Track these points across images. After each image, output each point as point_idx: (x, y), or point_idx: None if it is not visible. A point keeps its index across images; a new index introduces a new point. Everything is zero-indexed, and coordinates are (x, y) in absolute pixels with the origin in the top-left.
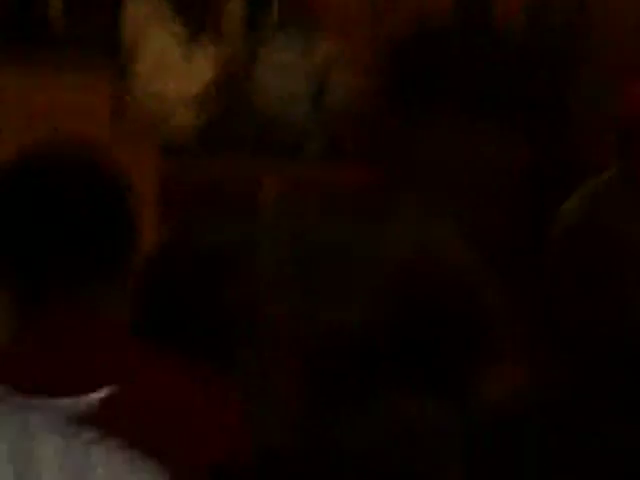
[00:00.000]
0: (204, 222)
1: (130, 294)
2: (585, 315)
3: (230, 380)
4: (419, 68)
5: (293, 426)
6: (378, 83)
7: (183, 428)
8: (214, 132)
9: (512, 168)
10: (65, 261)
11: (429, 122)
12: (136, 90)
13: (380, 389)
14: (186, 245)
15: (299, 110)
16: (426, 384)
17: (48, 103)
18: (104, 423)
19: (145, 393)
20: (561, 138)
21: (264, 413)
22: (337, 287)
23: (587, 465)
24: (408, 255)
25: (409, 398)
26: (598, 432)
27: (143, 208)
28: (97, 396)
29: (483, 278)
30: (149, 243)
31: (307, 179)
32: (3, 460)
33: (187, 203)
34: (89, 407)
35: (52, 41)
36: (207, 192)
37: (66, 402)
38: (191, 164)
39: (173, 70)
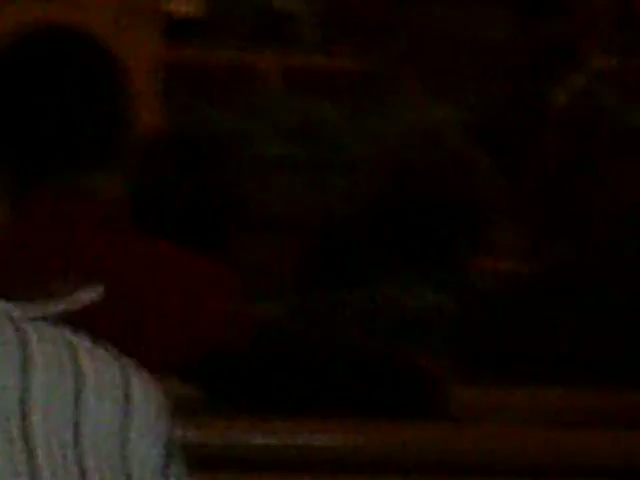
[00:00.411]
0: (204, 110)
1: (129, 178)
2: (581, 197)
3: (226, 263)
4: None
5: (288, 305)
6: None
7: (183, 309)
8: (212, 22)
9: (509, 47)
10: (61, 140)
11: (423, 3)
12: None
13: (373, 271)
14: (185, 132)
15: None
16: (421, 268)
17: None
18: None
19: (145, 276)
20: (561, 13)
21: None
22: (337, 168)
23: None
24: (406, 138)
25: (401, 283)
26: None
27: (145, 94)
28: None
29: (479, 162)
30: (149, 129)
31: (307, 67)
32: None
33: (189, 91)
34: (95, 296)
35: None
36: (208, 81)
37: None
38: (192, 53)
39: None
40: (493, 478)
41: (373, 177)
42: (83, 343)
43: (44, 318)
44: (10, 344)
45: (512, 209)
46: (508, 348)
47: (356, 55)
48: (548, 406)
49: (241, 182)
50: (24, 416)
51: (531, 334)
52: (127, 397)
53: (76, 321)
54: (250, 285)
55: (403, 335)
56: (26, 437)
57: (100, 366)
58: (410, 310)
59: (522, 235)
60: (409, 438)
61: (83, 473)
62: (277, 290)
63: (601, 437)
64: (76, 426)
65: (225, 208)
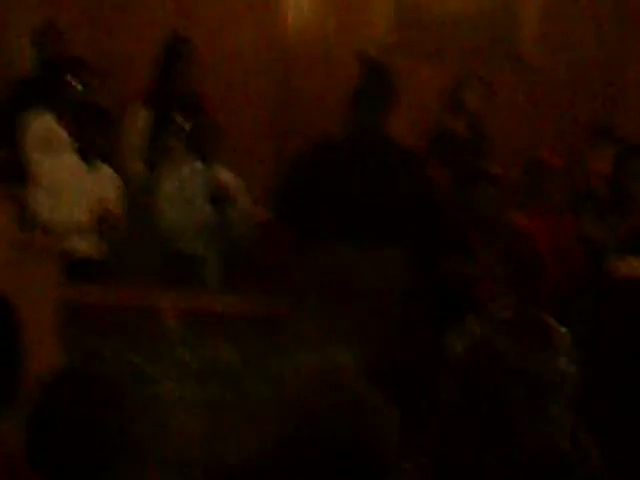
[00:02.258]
0: (103, 350)
1: (24, 420)
2: (476, 442)
3: None
4: (312, 192)
5: None
6: (274, 208)
7: None
8: (116, 260)
9: (407, 291)
10: None
11: (324, 250)
12: (38, 216)
13: None
14: (82, 373)
15: (201, 241)
16: None
17: None
18: None
19: None
20: (458, 264)
21: None
22: (238, 415)
23: None
24: (307, 384)
25: None
26: None
27: (41, 332)
28: None
29: (381, 404)
30: (45, 368)
31: (208, 309)
32: None
33: (87, 329)
34: None
35: None
36: (108, 320)
37: None
38: (92, 290)
39: (71, 195)
40: None
41: (274, 421)
42: None
43: None
44: None
45: (411, 453)
46: None
47: (256, 298)
48: None
49: (138, 422)
50: None
51: None
52: None
53: None
54: None
55: None
56: None
57: None
58: None
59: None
60: None
61: None
62: None
63: None
64: None
65: (119, 448)
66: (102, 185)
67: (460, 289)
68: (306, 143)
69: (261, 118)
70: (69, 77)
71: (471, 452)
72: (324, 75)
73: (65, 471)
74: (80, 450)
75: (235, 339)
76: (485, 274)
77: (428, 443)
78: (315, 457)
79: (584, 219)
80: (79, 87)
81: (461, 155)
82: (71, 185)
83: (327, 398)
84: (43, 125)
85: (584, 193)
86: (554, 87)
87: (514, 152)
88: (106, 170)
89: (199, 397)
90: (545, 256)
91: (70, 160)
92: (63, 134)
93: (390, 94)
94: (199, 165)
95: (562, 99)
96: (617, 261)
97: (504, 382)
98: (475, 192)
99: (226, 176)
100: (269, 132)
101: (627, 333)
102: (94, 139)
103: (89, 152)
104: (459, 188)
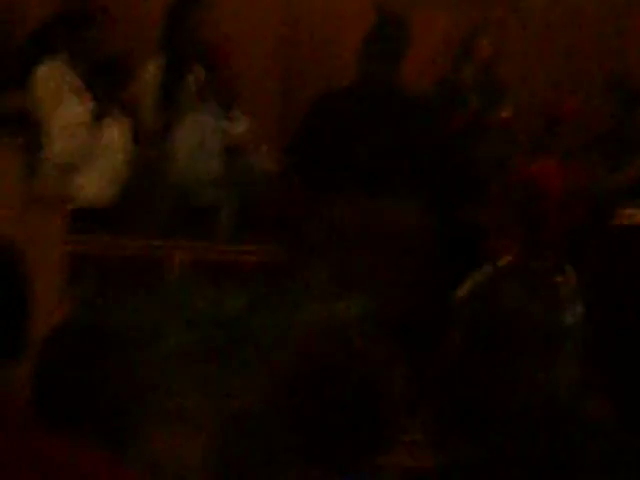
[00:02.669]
0: (110, 300)
1: (31, 371)
2: (483, 390)
3: (129, 459)
4: (324, 143)
5: None
6: (287, 161)
7: None
8: (127, 208)
9: (418, 241)
10: None
11: (335, 198)
12: (46, 163)
13: (282, 467)
14: (89, 323)
15: (213, 189)
16: (327, 464)
17: None
18: None
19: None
20: (468, 211)
21: None
22: (244, 366)
23: None
24: (313, 335)
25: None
26: None
27: (49, 283)
28: None
29: (387, 359)
30: (53, 318)
31: (220, 259)
32: None
33: (95, 278)
34: None
35: None
36: (117, 268)
37: None
38: (100, 240)
39: (83, 144)
40: None
41: (281, 370)
42: None
43: None
44: None
45: (416, 403)
46: None
47: (266, 248)
48: None
49: (148, 373)
50: None
51: None
52: None
53: None
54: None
55: None
56: None
57: None
58: None
59: (427, 430)
60: None
61: None
62: None
63: None
64: None
65: (131, 401)
66: (114, 134)
67: (475, 239)
68: (315, 87)
69: (268, 58)
70: (87, 27)
71: (474, 402)
72: (335, 18)
73: (72, 419)
74: (85, 399)
75: (243, 288)
76: (500, 224)
77: (432, 395)
78: (318, 409)
79: (594, 165)
80: (96, 37)
81: (470, 102)
82: (82, 134)
83: (332, 350)
84: (56, 73)
85: (595, 139)
86: (562, 34)
87: (530, 97)
88: (120, 119)
89: (205, 346)
90: (555, 202)
91: (82, 108)
92: (78, 82)
93: (403, 44)
94: (216, 116)
95: (572, 46)
96: (624, 207)
97: (506, 327)
98: (485, 138)
99: (242, 127)
100: (276, 72)
101: (631, 281)
102: (110, 89)
103: (104, 102)
104: (470, 135)
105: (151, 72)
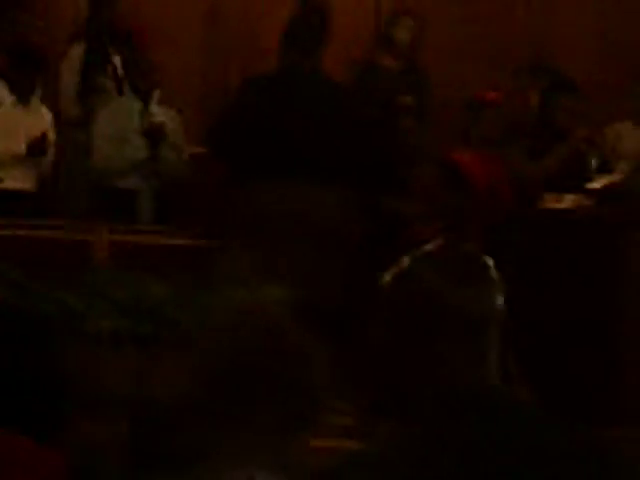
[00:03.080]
0: (32, 285)
1: None
2: (409, 375)
3: (56, 443)
4: (246, 129)
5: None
6: (209, 148)
7: None
8: (49, 195)
9: (341, 228)
10: None
11: (257, 184)
12: None
13: (200, 453)
14: (11, 307)
15: (133, 176)
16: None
17: None
18: None
19: None
20: (393, 199)
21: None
22: (168, 351)
23: None
24: (235, 320)
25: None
26: None
27: None
28: None
29: (309, 343)
30: None
31: (140, 243)
32: None
33: (17, 263)
34: None
35: None
36: (39, 252)
37: None
38: (23, 224)
39: (3, 132)
40: None
41: (203, 355)
42: None
43: None
44: None
45: (341, 387)
46: None
47: (187, 233)
48: None
49: (70, 359)
50: None
51: None
52: None
53: None
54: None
55: None
56: None
57: None
58: None
59: (351, 413)
60: None
61: None
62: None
63: None
64: None
65: (54, 386)
66: (35, 121)
67: (397, 229)
68: (238, 75)
69: (191, 50)
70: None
71: (402, 389)
72: (257, 5)
73: None
74: (6, 386)
75: (165, 274)
76: (423, 213)
77: (362, 381)
78: (241, 393)
79: (515, 154)
80: (15, 25)
81: (390, 90)
82: (4, 121)
83: (254, 335)
84: None
85: (516, 128)
86: (488, 22)
87: (452, 87)
88: (40, 107)
89: (130, 333)
90: (479, 191)
91: (4, 93)
92: None
93: (323, 31)
94: (134, 102)
95: (496, 35)
96: (545, 195)
97: (429, 314)
98: (401, 125)
99: (160, 112)
100: (199, 65)
101: (551, 266)
102: (29, 77)
103: (23, 90)
104: (385, 122)
105: (72, 59)
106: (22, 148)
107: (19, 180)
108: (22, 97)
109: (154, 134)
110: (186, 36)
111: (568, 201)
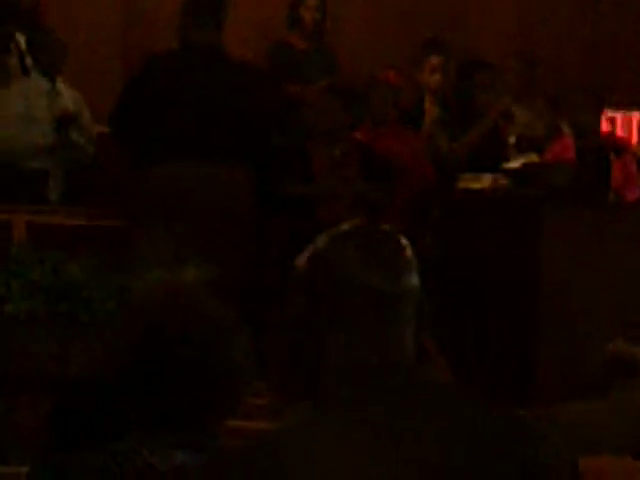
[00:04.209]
0: None
1: None
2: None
3: None
4: (147, 110)
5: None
6: (111, 129)
7: None
8: None
9: (246, 209)
10: None
11: (161, 165)
12: None
13: (122, 431)
14: None
15: (42, 158)
16: (170, 429)
17: None
18: None
19: None
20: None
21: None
22: (88, 331)
23: None
24: (156, 300)
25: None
26: None
27: None
28: None
29: (227, 323)
30: None
31: (51, 224)
32: None
33: None
34: None
35: None
36: None
37: None
38: None
39: None
40: None
41: (122, 335)
42: None
43: None
44: None
45: (264, 369)
46: None
47: (99, 214)
48: None
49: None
50: None
51: None
52: None
53: None
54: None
55: None
56: None
57: None
58: (157, 471)
59: (265, 393)
60: None
61: None
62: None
63: None
64: None
65: None
66: None
67: (304, 210)
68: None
69: (108, 36)
70: None
71: (317, 369)
72: None
73: None
74: None
75: (80, 255)
76: (331, 194)
77: (277, 361)
78: (162, 372)
79: (433, 134)
80: None
81: (300, 69)
82: None
83: (174, 314)
84: None
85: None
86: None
87: (360, 66)
88: None
89: (46, 311)
90: (396, 171)
91: None
92: None
93: (220, 8)
94: (42, 82)
95: (404, 16)
96: (462, 175)
97: (342, 293)
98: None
99: (68, 94)
100: (116, 51)
101: (469, 245)
102: None
103: None
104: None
105: None
106: None
107: None
108: None
109: (64, 121)
110: (102, 19)
111: (486, 181)
